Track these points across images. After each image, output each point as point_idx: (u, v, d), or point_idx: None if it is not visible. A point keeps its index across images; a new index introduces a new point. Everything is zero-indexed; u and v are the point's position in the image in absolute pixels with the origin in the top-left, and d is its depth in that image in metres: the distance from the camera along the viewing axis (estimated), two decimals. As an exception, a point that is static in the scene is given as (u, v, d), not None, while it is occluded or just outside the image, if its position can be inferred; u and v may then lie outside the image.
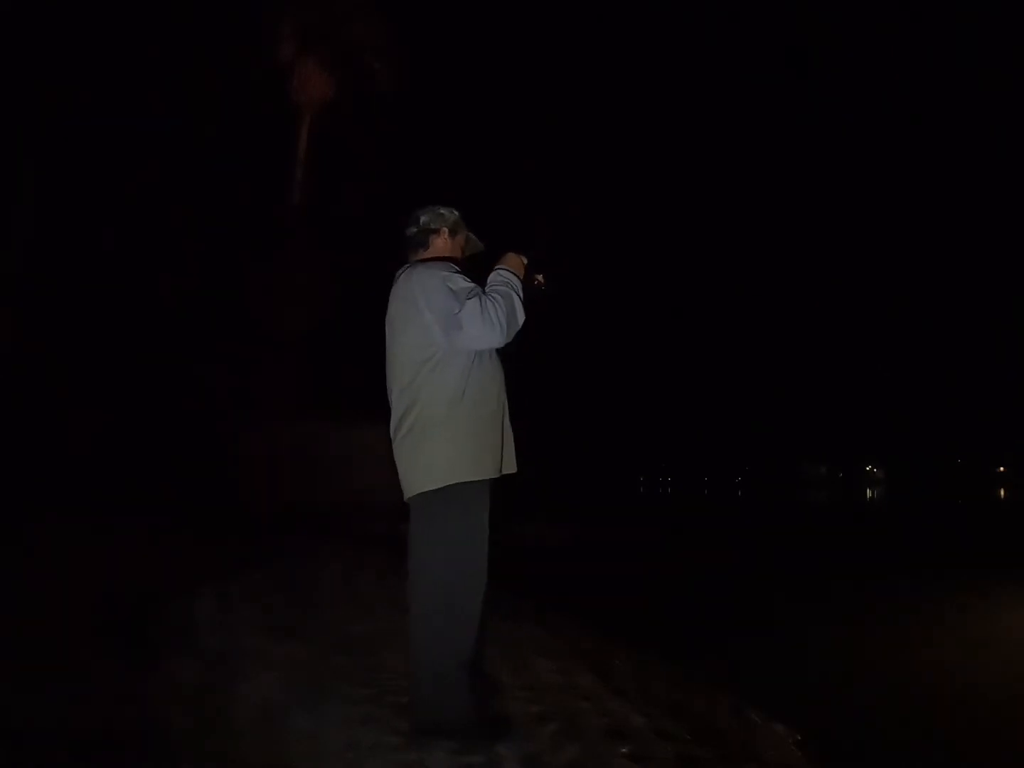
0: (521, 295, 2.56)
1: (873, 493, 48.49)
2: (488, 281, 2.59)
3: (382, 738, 2.59)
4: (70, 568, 5.66)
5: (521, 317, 2.52)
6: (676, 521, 21.16)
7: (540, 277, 2.75)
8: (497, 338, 2.47)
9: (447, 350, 2.49)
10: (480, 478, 2.49)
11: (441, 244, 2.74)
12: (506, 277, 2.59)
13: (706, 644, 5.33)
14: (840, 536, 15.99)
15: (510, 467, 2.62)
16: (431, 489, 2.46)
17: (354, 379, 13.26)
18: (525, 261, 2.71)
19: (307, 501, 10.73)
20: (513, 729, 2.67)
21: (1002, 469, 63.11)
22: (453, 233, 2.77)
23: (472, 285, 2.51)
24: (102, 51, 11.21)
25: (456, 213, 2.79)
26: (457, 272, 2.55)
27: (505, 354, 2.70)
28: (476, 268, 2.76)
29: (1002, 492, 44.31)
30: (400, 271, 2.68)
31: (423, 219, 2.75)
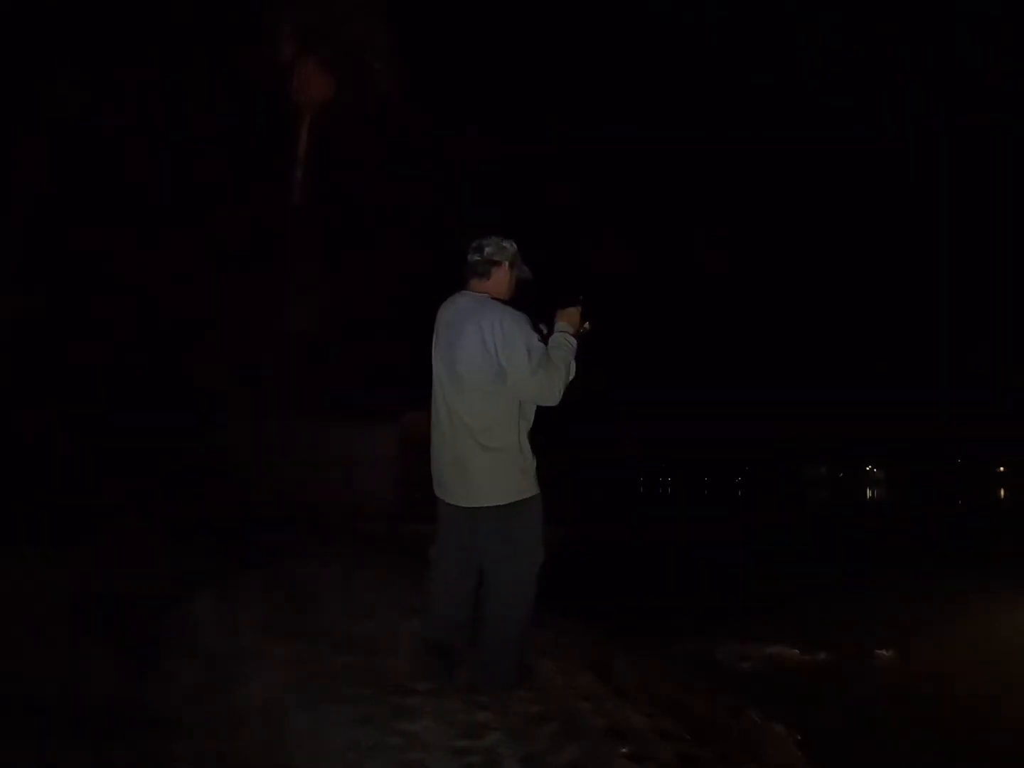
0: (574, 352, 2.89)
1: (873, 493, 48.48)
2: (553, 342, 2.88)
3: (382, 738, 2.59)
4: (69, 567, 5.66)
5: (573, 376, 2.85)
6: (676, 521, 21.16)
7: (587, 324, 3.01)
8: (553, 403, 2.84)
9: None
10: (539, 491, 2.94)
11: (501, 276, 2.99)
12: (571, 342, 2.89)
13: (706, 644, 5.33)
14: (840, 536, 15.99)
15: None
16: (523, 498, 2.86)
17: (355, 379, 13.28)
18: (579, 309, 3.00)
19: (307, 501, 10.72)
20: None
21: (1002, 469, 63.05)
22: (512, 266, 3.01)
23: (544, 346, 2.82)
24: (102, 51, 11.20)
25: (515, 246, 3.03)
26: (534, 330, 2.85)
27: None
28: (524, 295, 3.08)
29: (1002, 492, 44.29)
30: (462, 296, 3.00)
31: (487, 250, 2.98)
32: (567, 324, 2.94)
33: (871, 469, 78.22)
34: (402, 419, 11.27)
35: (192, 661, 3.61)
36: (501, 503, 2.84)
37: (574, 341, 2.92)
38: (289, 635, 3.87)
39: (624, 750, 2.58)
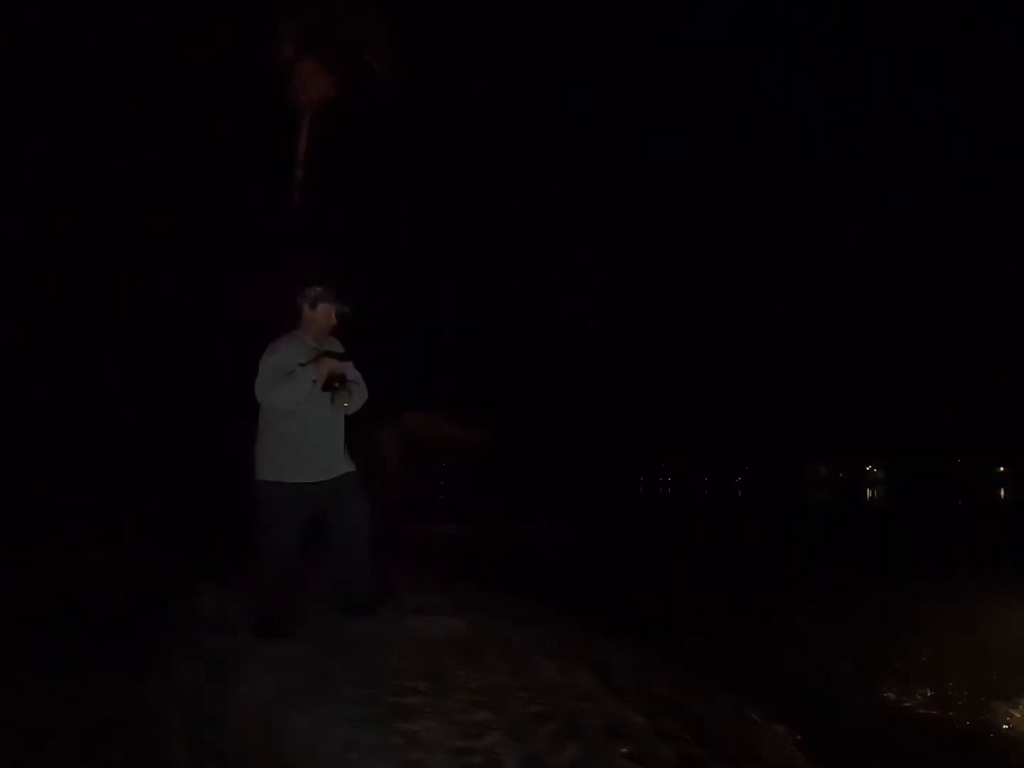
0: (303, 387, 3.56)
1: (873, 493, 48.43)
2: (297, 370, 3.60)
3: (382, 738, 2.59)
4: (69, 568, 5.66)
5: (294, 398, 3.57)
6: (676, 521, 21.15)
7: (337, 384, 3.62)
8: (263, 403, 3.68)
9: None
10: (278, 480, 3.68)
11: (305, 316, 3.86)
12: (298, 376, 3.58)
13: (706, 644, 5.33)
14: (841, 536, 15.99)
15: (309, 477, 3.70)
16: (256, 479, 3.74)
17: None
18: (340, 363, 3.66)
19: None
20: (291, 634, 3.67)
21: (1002, 469, 62.94)
22: (313, 306, 3.82)
23: (272, 366, 3.62)
24: (101, 50, 11.20)
25: (319, 290, 3.82)
26: (280, 351, 3.67)
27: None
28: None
29: (1002, 492, 44.24)
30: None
31: (297, 299, 3.86)
32: (313, 367, 3.59)
33: (871, 469, 78.16)
34: (402, 420, 11.25)
35: (192, 661, 3.61)
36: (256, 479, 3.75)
37: (303, 377, 3.56)
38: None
39: (624, 750, 2.58)
